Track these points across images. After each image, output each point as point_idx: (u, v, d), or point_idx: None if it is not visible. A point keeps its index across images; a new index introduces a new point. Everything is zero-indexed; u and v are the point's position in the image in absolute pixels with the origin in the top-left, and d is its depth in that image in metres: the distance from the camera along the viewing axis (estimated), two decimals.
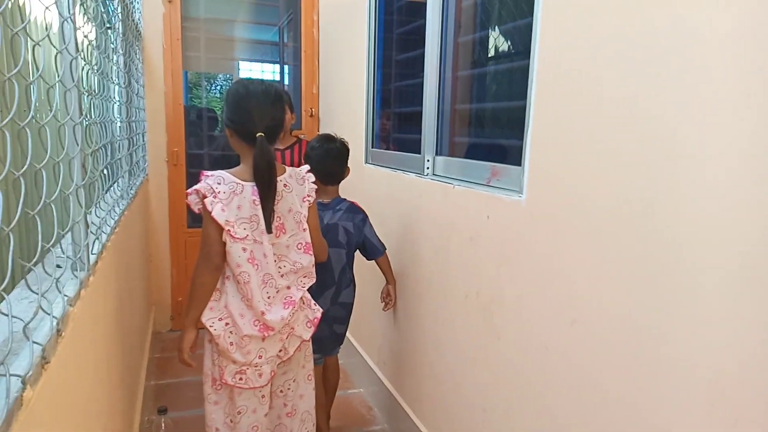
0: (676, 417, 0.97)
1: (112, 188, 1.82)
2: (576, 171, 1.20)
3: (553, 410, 1.29)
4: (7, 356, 0.61)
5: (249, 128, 1.41)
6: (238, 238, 1.41)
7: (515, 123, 1.53)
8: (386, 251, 2.09)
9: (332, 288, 1.98)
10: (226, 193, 1.40)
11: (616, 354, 1.10)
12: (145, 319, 2.73)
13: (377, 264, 2.12)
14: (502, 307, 1.49)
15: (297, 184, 1.52)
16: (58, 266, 1.14)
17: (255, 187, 1.42)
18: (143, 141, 2.98)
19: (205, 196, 1.39)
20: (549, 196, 1.30)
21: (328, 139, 2.02)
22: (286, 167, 1.52)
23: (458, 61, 1.99)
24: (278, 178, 1.46)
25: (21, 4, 1.63)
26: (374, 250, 2.07)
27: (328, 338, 2.03)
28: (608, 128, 1.10)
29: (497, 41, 1.83)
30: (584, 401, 1.19)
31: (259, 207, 1.42)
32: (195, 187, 1.42)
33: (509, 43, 1.78)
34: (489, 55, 1.90)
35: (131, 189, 2.17)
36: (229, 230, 1.39)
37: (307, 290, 1.55)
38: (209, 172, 1.43)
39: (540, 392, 1.34)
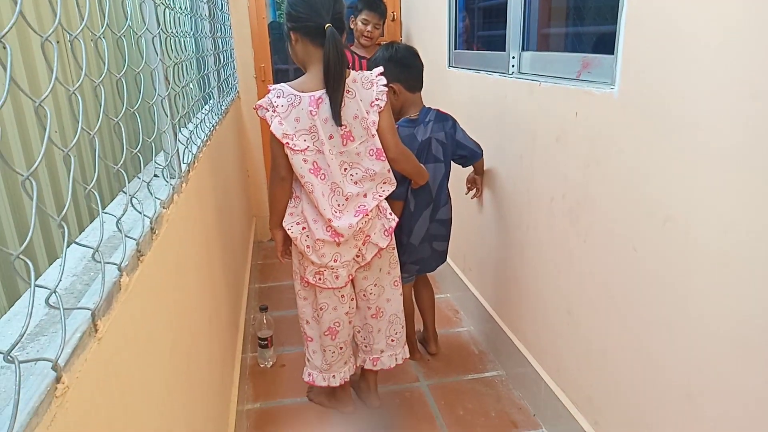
0: None
1: (201, 103, 1.90)
2: (674, 56, 1.06)
3: (640, 311, 1.24)
4: (99, 245, 0.68)
5: (316, 22, 1.35)
6: (297, 150, 1.42)
7: (610, 7, 1.38)
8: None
9: (430, 206, 1.89)
10: (284, 106, 1.41)
11: (712, 253, 1.02)
12: (246, 230, 2.94)
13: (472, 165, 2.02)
14: (589, 209, 1.42)
15: (363, 88, 1.45)
16: (156, 176, 1.23)
17: (312, 97, 1.40)
18: (231, 58, 3.05)
19: (266, 110, 1.41)
20: (643, 86, 1.18)
21: (390, 45, 1.85)
22: (352, 71, 1.45)
23: None
24: None
25: None
26: (473, 154, 1.95)
27: (429, 257, 1.98)
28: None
29: None
30: (673, 301, 1.13)
31: (317, 117, 1.40)
32: (258, 102, 1.44)
33: None
34: None
35: (221, 105, 2.26)
36: (287, 143, 1.41)
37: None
38: (272, 86, 1.43)
39: (627, 294, 1.29)
